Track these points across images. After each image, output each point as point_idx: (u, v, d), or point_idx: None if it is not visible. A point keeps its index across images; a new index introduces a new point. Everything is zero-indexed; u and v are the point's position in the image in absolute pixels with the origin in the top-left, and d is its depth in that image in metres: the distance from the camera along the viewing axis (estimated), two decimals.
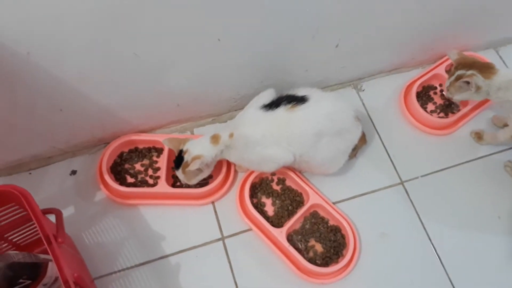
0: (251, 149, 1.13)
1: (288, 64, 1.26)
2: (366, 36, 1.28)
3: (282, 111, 1.11)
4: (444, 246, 1.24)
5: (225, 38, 1.06)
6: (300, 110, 1.11)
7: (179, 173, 1.16)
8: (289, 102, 1.12)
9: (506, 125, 1.33)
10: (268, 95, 1.20)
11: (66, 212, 1.21)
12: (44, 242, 0.85)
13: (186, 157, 1.13)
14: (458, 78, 1.23)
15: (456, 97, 1.28)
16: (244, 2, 0.98)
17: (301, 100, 1.12)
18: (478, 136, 1.40)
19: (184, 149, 1.14)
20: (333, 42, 1.24)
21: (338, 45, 1.25)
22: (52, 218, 1.02)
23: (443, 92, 1.37)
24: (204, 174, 1.17)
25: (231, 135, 1.12)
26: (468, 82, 1.20)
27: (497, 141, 1.35)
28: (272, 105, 1.13)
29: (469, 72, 1.20)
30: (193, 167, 1.11)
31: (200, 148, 1.12)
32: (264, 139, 1.11)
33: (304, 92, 1.16)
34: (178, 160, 1.15)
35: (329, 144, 1.15)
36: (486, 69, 1.21)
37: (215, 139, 1.12)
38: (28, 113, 1.08)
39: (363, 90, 1.49)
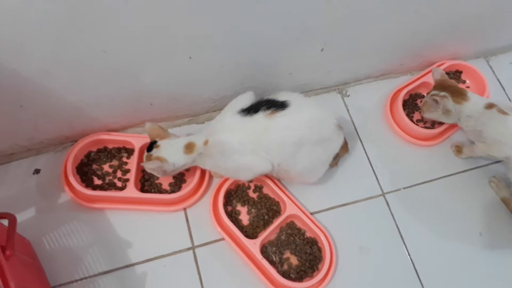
0: (227, 156, 1.06)
1: (271, 66, 1.19)
2: (353, 40, 1.22)
3: (260, 117, 1.05)
4: (423, 262, 1.20)
5: (204, 37, 0.99)
6: (280, 117, 1.04)
7: (144, 156, 1.09)
8: (268, 108, 1.05)
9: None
10: (247, 99, 1.13)
11: (27, 214, 1.15)
12: None
13: (154, 151, 1.06)
14: (432, 97, 1.24)
15: (427, 116, 1.30)
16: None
17: (281, 106, 1.06)
18: (458, 150, 1.35)
19: (159, 143, 1.07)
20: (318, 46, 1.17)
21: (324, 49, 1.19)
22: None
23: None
24: (159, 175, 1.10)
25: (205, 142, 1.06)
26: (436, 101, 1.21)
27: (476, 154, 1.31)
28: (251, 110, 1.06)
29: (442, 93, 1.22)
30: (150, 165, 1.04)
31: (170, 152, 1.05)
32: (241, 146, 1.05)
33: (285, 97, 1.09)
34: (150, 146, 1.08)
35: (309, 153, 1.09)
36: (458, 94, 1.23)
37: (189, 148, 1.06)
38: None
39: (348, 96, 1.43)
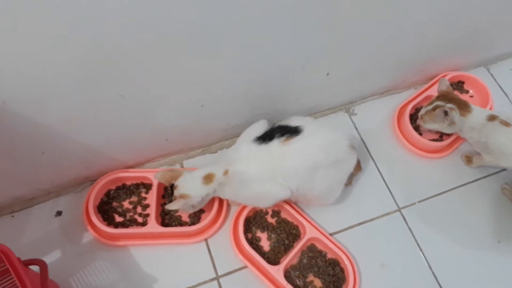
0: (247, 185, 1.08)
1: (279, 93, 1.23)
2: (357, 63, 1.25)
3: (276, 144, 1.07)
4: (445, 274, 1.21)
5: (217, 75, 1.03)
6: (294, 143, 1.07)
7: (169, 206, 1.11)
8: (282, 134, 1.08)
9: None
10: (260, 127, 1.16)
11: (52, 256, 1.16)
12: None
13: (176, 193, 1.08)
14: (436, 108, 1.26)
15: (427, 126, 1.32)
16: (234, 35, 0.94)
17: (295, 131, 1.09)
18: (468, 159, 1.37)
19: (175, 184, 1.09)
20: (323, 71, 1.21)
21: (329, 73, 1.22)
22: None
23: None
24: (189, 211, 1.12)
25: (225, 172, 1.08)
26: (446, 113, 1.23)
27: (486, 164, 1.33)
28: (266, 138, 1.09)
29: (449, 105, 1.24)
30: (175, 206, 1.06)
31: (189, 187, 1.07)
32: (259, 175, 1.07)
33: (297, 122, 1.12)
34: (171, 192, 1.11)
35: (325, 175, 1.11)
36: (463, 106, 1.25)
37: (208, 179, 1.08)
38: (7, 156, 1.02)
39: (355, 114, 1.46)
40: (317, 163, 1.08)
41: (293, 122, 1.14)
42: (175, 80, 1.00)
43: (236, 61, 1.02)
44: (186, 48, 0.91)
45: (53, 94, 0.88)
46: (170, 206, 1.06)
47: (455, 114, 1.23)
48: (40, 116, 0.92)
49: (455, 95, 1.29)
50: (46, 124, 0.95)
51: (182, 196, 1.06)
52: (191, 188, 1.07)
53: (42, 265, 0.96)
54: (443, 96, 1.29)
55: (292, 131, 1.09)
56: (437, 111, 1.26)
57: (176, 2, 0.78)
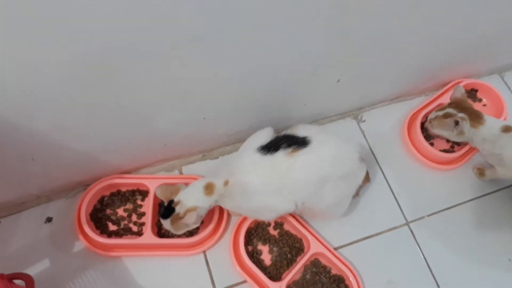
0: (249, 197, 1.02)
1: (286, 99, 1.16)
2: (369, 69, 1.18)
3: (282, 156, 1.00)
4: None
5: (220, 77, 0.96)
6: (302, 155, 1.00)
7: (165, 223, 1.03)
8: (289, 145, 1.01)
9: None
10: (265, 135, 1.09)
11: (41, 266, 1.10)
12: None
13: (178, 209, 1.01)
14: (447, 115, 1.21)
15: (436, 131, 1.26)
16: (242, 40, 0.87)
17: (302, 142, 1.02)
18: (480, 172, 1.31)
19: (176, 199, 1.01)
20: (334, 77, 1.14)
21: (340, 80, 1.15)
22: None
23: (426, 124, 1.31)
24: (194, 225, 1.05)
25: (226, 183, 1.01)
26: (457, 123, 1.18)
27: (499, 176, 1.28)
28: (271, 148, 1.02)
29: (461, 114, 1.19)
30: (189, 220, 0.99)
31: (194, 200, 1.00)
32: (263, 187, 1.01)
33: (305, 132, 1.06)
34: (167, 209, 1.03)
35: (333, 189, 1.05)
36: (475, 117, 1.20)
37: (209, 189, 1.01)
38: None
39: (364, 121, 1.39)
40: (325, 177, 1.02)
41: (300, 131, 1.07)
42: (176, 85, 0.93)
43: (244, 66, 0.95)
44: (189, 52, 0.84)
45: (43, 99, 0.81)
46: (186, 220, 0.98)
47: (465, 125, 1.18)
48: (29, 122, 0.85)
49: (468, 104, 1.23)
50: (36, 130, 0.88)
51: (190, 210, 0.98)
52: (195, 201, 1.00)
53: (28, 280, 0.90)
54: (456, 104, 1.23)
55: (299, 142, 1.02)
56: (448, 120, 1.20)
57: (178, 6, 0.71)
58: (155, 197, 1.15)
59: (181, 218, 0.99)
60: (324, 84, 1.14)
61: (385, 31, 1.05)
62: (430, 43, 1.15)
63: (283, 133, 1.10)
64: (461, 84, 1.40)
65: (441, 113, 1.23)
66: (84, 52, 0.73)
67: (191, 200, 1.00)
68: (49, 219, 1.15)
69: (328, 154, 1.03)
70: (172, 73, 0.88)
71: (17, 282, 0.92)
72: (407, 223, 1.25)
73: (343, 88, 1.20)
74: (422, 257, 1.20)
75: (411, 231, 1.24)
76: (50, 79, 0.77)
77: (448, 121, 1.21)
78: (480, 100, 1.47)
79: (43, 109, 0.83)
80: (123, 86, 0.85)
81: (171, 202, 1.02)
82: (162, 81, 0.88)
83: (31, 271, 1.06)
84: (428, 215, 1.26)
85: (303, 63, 1.02)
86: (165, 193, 1.03)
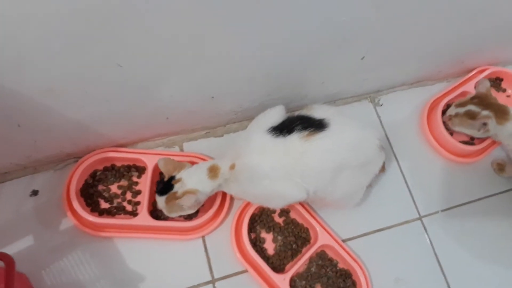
0: (256, 183, 0.92)
1: (303, 75, 1.05)
2: (396, 47, 1.07)
3: (296, 139, 0.90)
4: None
5: (232, 47, 0.84)
6: (319, 140, 0.90)
7: (160, 200, 0.94)
8: (304, 128, 0.91)
9: None
10: (276, 114, 0.99)
11: (23, 243, 1.01)
12: None
13: (177, 187, 0.91)
14: (469, 113, 1.13)
15: (456, 129, 1.19)
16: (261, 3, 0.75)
17: (319, 126, 0.92)
18: (500, 168, 1.23)
19: (177, 177, 0.92)
20: (359, 54, 1.03)
21: (365, 57, 1.04)
22: None
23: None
24: (190, 211, 0.96)
25: (232, 166, 0.92)
26: (486, 124, 1.11)
27: None
28: (284, 130, 0.92)
29: (485, 112, 1.11)
30: (185, 202, 0.90)
31: (196, 181, 0.91)
32: (273, 171, 0.91)
33: (322, 114, 0.96)
34: (165, 186, 0.93)
35: (349, 178, 0.96)
36: (501, 113, 1.12)
37: (213, 172, 0.91)
38: None
39: (381, 105, 1.29)
40: (342, 164, 0.93)
41: (316, 113, 0.97)
42: (185, 51, 0.81)
43: (263, 35, 0.83)
44: (202, 12, 0.72)
45: (31, 57, 0.69)
46: (182, 201, 0.89)
47: (491, 123, 1.10)
48: (14, 83, 0.74)
49: (493, 100, 1.15)
50: (22, 93, 0.77)
51: (189, 192, 0.89)
52: (197, 183, 0.91)
53: (8, 261, 0.80)
54: (479, 99, 1.14)
55: (316, 125, 0.92)
56: (473, 122, 1.13)
57: None
58: (153, 174, 1.06)
59: (178, 198, 0.90)
60: (348, 60, 1.03)
61: (420, 7, 0.93)
62: (466, 20, 1.04)
63: (297, 113, 1.00)
64: (487, 72, 1.31)
65: (462, 110, 1.15)
66: (75, 2, 0.61)
67: (193, 181, 0.90)
68: (34, 192, 1.05)
69: (347, 140, 0.93)
70: (180, 37, 0.76)
71: None
72: (420, 218, 1.17)
73: (366, 67, 1.09)
74: (434, 254, 1.13)
75: (424, 226, 1.16)
76: (37, 35, 0.65)
77: (472, 122, 1.13)
78: (504, 91, 1.37)
79: (29, 70, 0.71)
80: (123, 45, 0.73)
81: (171, 178, 0.92)
82: (169, 45, 0.77)
83: (12, 249, 0.97)
84: (443, 210, 1.18)
85: (330, 33, 0.90)
86: (167, 167, 0.93)
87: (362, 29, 0.94)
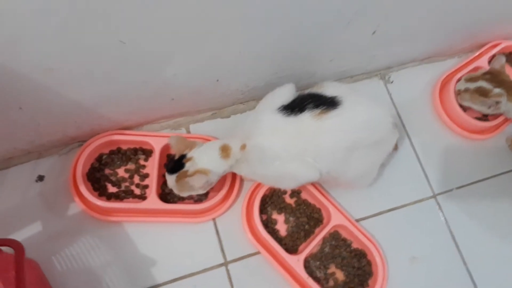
0: (268, 163, 0.90)
1: (312, 53, 1.01)
2: (408, 21, 1.03)
3: (307, 118, 0.87)
4: (481, 272, 1.08)
5: (237, 23, 0.80)
6: (331, 118, 0.87)
7: (170, 179, 0.91)
8: (316, 106, 0.88)
9: None
10: (286, 93, 0.95)
11: (31, 230, 0.99)
12: None
13: (188, 166, 0.88)
14: (481, 90, 1.11)
15: (466, 104, 1.16)
16: None
17: (331, 103, 0.89)
18: None
19: (189, 155, 0.89)
20: (370, 29, 0.99)
21: (376, 32, 1.00)
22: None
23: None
24: (200, 191, 0.93)
25: (243, 147, 0.89)
26: (498, 103, 1.09)
27: None
28: (295, 108, 0.89)
29: (498, 90, 1.08)
30: (196, 182, 0.87)
31: (207, 161, 0.88)
32: (285, 152, 0.88)
33: (333, 92, 0.92)
34: (176, 164, 0.90)
35: (362, 157, 0.93)
36: None
37: (225, 152, 0.88)
38: None
39: (392, 82, 1.25)
40: (356, 143, 0.90)
41: (327, 90, 0.93)
42: (190, 27, 0.77)
43: (270, 11, 0.79)
44: None
45: (31, 34, 0.66)
46: (193, 181, 0.86)
47: (503, 100, 1.08)
48: (14, 63, 0.70)
49: (506, 77, 1.12)
50: (23, 73, 0.74)
51: (201, 172, 0.86)
52: (209, 162, 0.88)
53: (17, 247, 0.78)
54: (492, 75, 1.11)
55: (328, 103, 0.89)
56: (486, 99, 1.10)
57: None
58: (160, 157, 1.03)
59: (189, 176, 0.87)
60: (358, 35, 0.99)
61: None
62: None
63: (307, 91, 0.96)
64: (500, 46, 1.27)
65: (473, 86, 1.12)
66: None
67: (204, 160, 0.88)
68: (40, 178, 1.02)
69: (360, 118, 0.90)
70: (186, 10, 0.73)
71: (4, 249, 0.81)
72: (434, 196, 1.14)
73: (377, 42, 1.05)
74: (449, 232, 1.11)
75: (438, 204, 1.14)
76: (34, 9, 0.61)
77: (483, 100, 1.11)
78: None
79: (27, 48, 0.68)
80: (126, 19, 0.69)
81: (182, 157, 0.89)
82: (174, 18, 0.73)
83: (20, 235, 0.96)
84: (457, 188, 1.16)
85: (340, 10, 0.87)
86: (179, 145, 0.91)
87: (374, 2, 0.90)
